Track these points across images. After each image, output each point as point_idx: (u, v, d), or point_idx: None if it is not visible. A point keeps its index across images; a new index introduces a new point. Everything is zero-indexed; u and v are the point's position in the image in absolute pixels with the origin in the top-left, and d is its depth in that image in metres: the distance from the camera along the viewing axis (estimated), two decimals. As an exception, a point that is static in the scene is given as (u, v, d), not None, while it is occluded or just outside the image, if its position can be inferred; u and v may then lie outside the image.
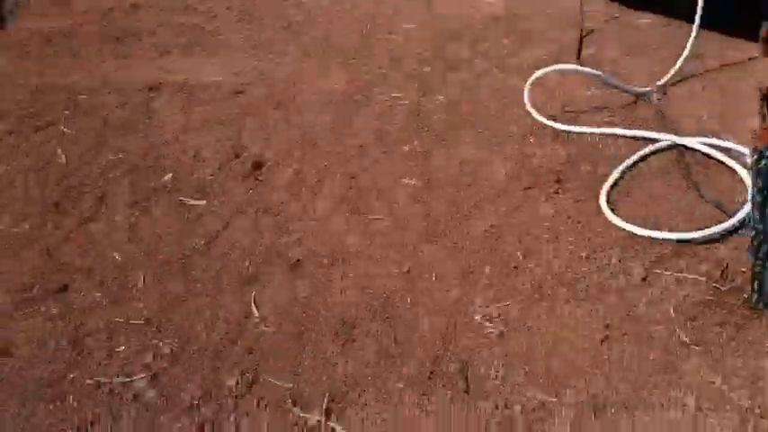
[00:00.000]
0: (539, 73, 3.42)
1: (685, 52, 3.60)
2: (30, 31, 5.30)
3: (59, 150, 3.64)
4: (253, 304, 2.52)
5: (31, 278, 2.75)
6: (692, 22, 3.63)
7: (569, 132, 3.27)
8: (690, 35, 3.62)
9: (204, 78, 4.24)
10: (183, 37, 4.93)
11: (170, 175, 3.32)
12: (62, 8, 5.88)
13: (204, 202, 3.09)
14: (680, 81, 3.62)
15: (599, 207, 2.76)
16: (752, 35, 3.81)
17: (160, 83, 4.22)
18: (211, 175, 3.27)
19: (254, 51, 4.56)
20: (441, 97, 3.70)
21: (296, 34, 4.73)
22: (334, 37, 4.61)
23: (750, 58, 3.72)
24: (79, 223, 3.05)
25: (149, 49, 4.80)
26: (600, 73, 3.57)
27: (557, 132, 3.29)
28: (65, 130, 3.84)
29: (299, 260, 2.69)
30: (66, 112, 4.04)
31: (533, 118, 3.39)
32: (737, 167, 2.89)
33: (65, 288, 2.69)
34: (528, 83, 3.44)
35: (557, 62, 3.94)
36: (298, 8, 5.19)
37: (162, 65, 4.52)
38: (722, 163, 2.97)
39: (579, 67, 3.68)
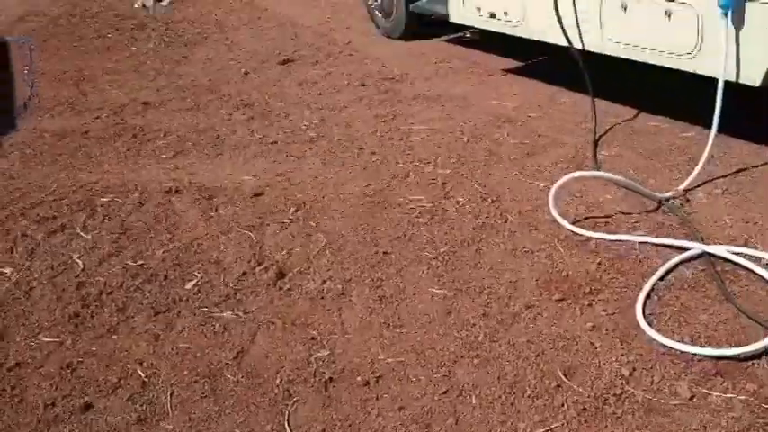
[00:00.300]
0: (562, 180, 3.43)
1: (703, 157, 3.63)
2: (42, 130, 5.33)
3: (76, 256, 3.59)
4: (287, 426, 2.43)
5: (52, 395, 2.65)
6: (703, 124, 3.67)
7: (596, 239, 3.25)
8: (705, 138, 3.67)
9: (223, 180, 4.24)
10: (199, 137, 4.97)
11: (192, 283, 3.26)
12: (74, 107, 5.94)
13: (229, 313, 3.02)
14: (699, 185, 3.64)
15: (635, 320, 2.71)
16: (765, 139, 3.88)
17: (178, 185, 4.22)
18: (235, 284, 3.21)
19: (272, 152, 4.58)
20: (462, 201, 3.70)
21: (313, 135, 4.77)
22: (352, 139, 4.65)
23: (766, 163, 3.76)
24: (100, 335, 2.97)
25: (165, 149, 4.82)
26: (621, 178, 3.59)
27: (583, 239, 3.28)
28: (81, 234, 3.80)
29: (331, 378, 2.61)
30: (82, 215, 4.01)
31: (559, 224, 3.38)
32: (770, 277, 2.86)
33: (88, 407, 2.59)
34: (552, 190, 3.44)
35: (573, 164, 3.99)
36: (313, 110, 5.26)
37: (179, 165, 4.53)
38: (753, 272, 2.94)
39: (601, 173, 3.71)
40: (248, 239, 3.58)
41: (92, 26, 8.90)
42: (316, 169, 4.27)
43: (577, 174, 3.54)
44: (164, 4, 9.60)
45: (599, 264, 3.08)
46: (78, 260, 3.55)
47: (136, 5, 9.61)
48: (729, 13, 3.40)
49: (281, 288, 3.15)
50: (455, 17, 5.43)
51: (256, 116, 5.27)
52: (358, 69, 6.12)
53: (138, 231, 3.76)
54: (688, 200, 3.52)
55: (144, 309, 3.11)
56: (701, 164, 3.63)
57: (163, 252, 3.54)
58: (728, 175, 3.71)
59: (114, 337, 2.96)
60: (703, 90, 3.87)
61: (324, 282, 3.16)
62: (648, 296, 2.85)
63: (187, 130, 5.12)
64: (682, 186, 3.60)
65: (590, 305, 2.83)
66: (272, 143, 4.74)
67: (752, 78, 3.47)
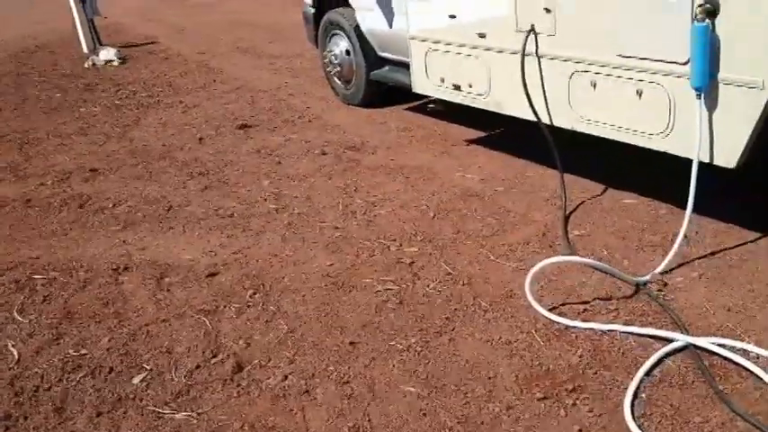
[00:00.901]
0: (538, 266, 3.27)
1: (678, 239, 3.52)
2: (-20, 198, 5.02)
3: (11, 344, 3.28)
4: None
5: None
6: (672, 201, 3.58)
7: (575, 328, 3.08)
8: (676, 216, 3.57)
9: (176, 257, 3.98)
10: (150, 208, 4.71)
11: (141, 377, 2.97)
12: (16, 172, 5.64)
13: (182, 414, 2.74)
14: (676, 268, 3.52)
15: (625, 423, 2.52)
16: (743, 219, 3.80)
17: (127, 262, 3.94)
18: (188, 379, 2.94)
19: (228, 226, 4.35)
20: (432, 284, 3.50)
21: (272, 208, 4.56)
22: (314, 212, 4.45)
23: (739, 244, 3.67)
24: (34, 440, 2.66)
25: (114, 220, 4.55)
26: (598, 263, 3.45)
27: (562, 328, 3.10)
28: (18, 317, 3.49)
29: (296, 493, 2.35)
30: (20, 295, 3.70)
31: (535, 311, 3.21)
32: (761, 373, 2.71)
33: None
34: (528, 276, 3.27)
35: (545, 243, 3.84)
36: (272, 179, 5.06)
37: (128, 239, 4.26)
38: (744, 367, 2.79)
39: (578, 258, 3.57)
40: (203, 326, 3.31)
41: (39, 86, 8.63)
42: (275, 246, 4.04)
43: (554, 259, 3.39)
44: (114, 64, 9.37)
45: (580, 356, 2.90)
46: (13, 349, 3.24)
47: (86, 65, 9.36)
48: (702, 95, 3.34)
49: (238, 384, 2.88)
50: (418, 88, 5.32)
51: (212, 185, 5.04)
52: (318, 136, 5.96)
53: (82, 315, 3.47)
54: (666, 284, 3.39)
55: (85, 408, 2.81)
56: (675, 246, 3.52)
57: (108, 340, 3.25)
58: (704, 256, 3.60)
59: (50, 442, 2.65)
60: (671, 165, 3.80)
61: (285, 377, 2.90)
62: (635, 395, 2.67)
63: (138, 199, 4.86)
64: (658, 269, 3.47)
65: (574, 404, 2.64)
66: (228, 216, 4.51)
67: (727, 160, 3.39)
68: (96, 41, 10.02)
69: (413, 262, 3.73)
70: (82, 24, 9.83)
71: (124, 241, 4.25)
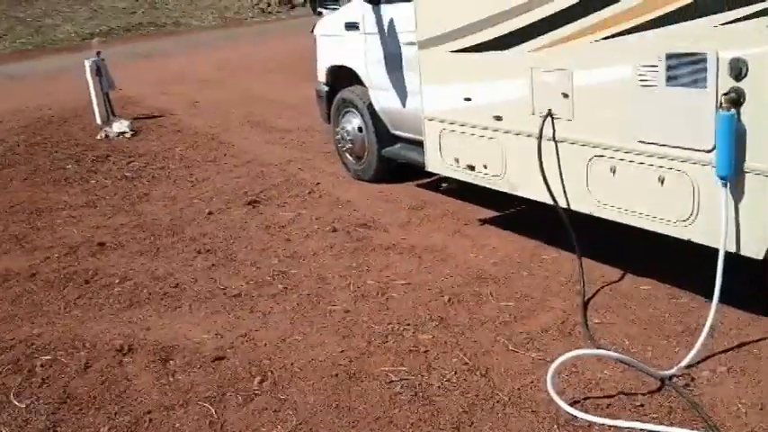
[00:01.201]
0: (561, 359, 3.14)
1: (704, 332, 3.38)
2: (-16, 271, 4.93)
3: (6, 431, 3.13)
4: None
5: None
6: (693, 289, 3.45)
7: (602, 425, 2.92)
8: (698, 305, 3.44)
9: (181, 338, 3.86)
10: (156, 285, 4.60)
11: (142, 472, 2.81)
12: (23, 244, 5.56)
13: None
14: (702, 361, 3.37)
15: None
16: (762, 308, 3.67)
17: (131, 342, 3.82)
18: (191, 475, 2.78)
19: (235, 307, 4.23)
20: (448, 374, 3.36)
21: (281, 288, 4.45)
22: (323, 293, 4.33)
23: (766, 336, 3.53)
24: None
25: (119, 298, 4.44)
26: (623, 356, 3.31)
27: (585, 425, 2.94)
28: (14, 402, 3.35)
29: None
30: (17, 377, 3.56)
31: (557, 405, 3.05)
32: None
33: None
34: (551, 371, 3.13)
35: (564, 332, 3.71)
36: (281, 257, 4.96)
37: (133, 318, 4.14)
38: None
39: (603, 352, 3.43)
40: (208, 414, 3.16)
41: (50, 156, 8.65)
42: (283, 329, 3.91)
43: (577, 353, 3.26)
44: (127, 136, 9.42)
45: (608, 458, 2.74)
46: (8, 439, 3.09)
47: (99, 137, 9.42)
48: (728, 183, 3.27)
49: (245, 483, 2.72)
50: (432, 167, 5.28)
51: (220, 263, 4.94)
52: (328, 213, 5.89)
53: (82, 400, 3.33)
54: (692, 378, 3.24)
55: (80, 505, 2.64)
56: (701, 338, 3.37)
57: (108, 428, 3.11)
58: (730, 349, 3.46)
59: None
60: (692, 251, 3.68)
61: (295, 476, 2.75)
62: (668, 503, 2.50)
63: (144, 276, 4.76)
64: (683, 363, 3.33)
65: None
66: (235, 295, 4.40)
67: (754, 251, 3.29)
68: (110, 113, 10.12)
69: (427, 350, 3.60)
70: (97, 96, 9.94)
71: (129, 320, 4.13)
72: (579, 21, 3.76)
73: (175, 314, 4.17)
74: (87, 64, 9.97)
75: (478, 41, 4.44)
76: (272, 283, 4.55)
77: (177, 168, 7.76)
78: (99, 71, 10.01)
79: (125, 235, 5.64)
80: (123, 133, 9.48)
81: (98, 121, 9.98)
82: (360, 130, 6.52)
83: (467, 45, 4.53)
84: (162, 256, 5.14)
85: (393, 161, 6.33)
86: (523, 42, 4.13)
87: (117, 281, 4.70)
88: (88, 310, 4.30)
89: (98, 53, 10.19)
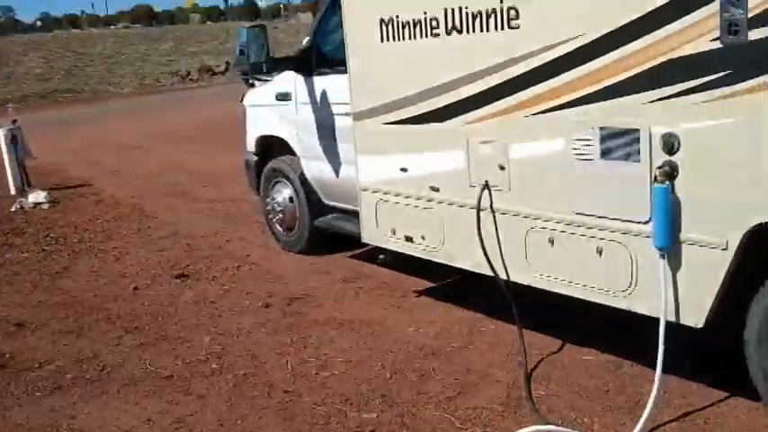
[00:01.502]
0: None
1: (650, 403, 3.38)
2: None
3: None
4: None
5: None
6: (632, 357, 3.48)
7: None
8: (638, 374, 3.46)
9: (110, 427, 3.64)
10: (81, 368, 4.37)
11: None
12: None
13: None
14: (648, 432, 3.37)
15: None
16: (709, 377, 3.72)
17: (53, 435, 3.55)
18: None
19: (167, 390, 4.02)
20: (396, 457, 3.24)
21: (215, 368, 4.26)
22: (260, 372, 4.16)
23: (709, 405, 3.57)
24: None
25: (40, 384, 4.20)
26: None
27: (540, 506, 2.87)
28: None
29: None
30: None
31: (510, 487, 2.97)
32: None
33: None
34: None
35: (509, 406, 3.67)
36: (213, 335, 4.77)
37: (56, 407, 3.89)
38: None
39: (556, 428, 3.38)
40: None
41: (-39, 230, 8.19)
42: (220, 413, 3.73)
43: (533, 428, 3.20)
44: (44, 207, 9.05)
45: None
46: None
47: (13, 208, 9.00)
48: (666, 254, 3.33)
49: None
50: (368, 238, 5.23)
51: (149, 342, 4.71)
52: (260, 287, 5.74)
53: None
54: (643, 455, 3.23)
55: None
56: (647, 412, 3.37)
57: None
58: (676, 419, 3.48)
59: None
60: (633, 319, 3.72)
61: None
62: None
63: (68, 359, 4.48)
64: (632, 437, 3.32)
65: None
66: (167, 377, 4.18)
67: (694, 320, 3.34)
68: (26, 183, 9.73)
69: (373, 430, 3.47)
70: (11, 166, 9.56)
71: (51, 408, 3.85)
72: (515, 95, 3.84)
73: (103, 400, 3.92)
74: (2, 132, 9.62)
75: (415, 113, 4.48)
76: (206, 362, 4.35)
77: (99, 241, 7.46)
78: (14, 139, 9.67)
79: (45, 313, 5.34)
80: (40, 204, 9.10)
81: (12, 191, 9.58)
82: (291, 200, 6.44)
83: (403, 117, 4.56)
84: (86, 335, 4.87)
85: (325, 232, 6.25)
86: (460, 115, 4.18)
87: (37, 365, 4.41)
88: (5, 398, 4.00)
89: (14, 121, 9.87)
